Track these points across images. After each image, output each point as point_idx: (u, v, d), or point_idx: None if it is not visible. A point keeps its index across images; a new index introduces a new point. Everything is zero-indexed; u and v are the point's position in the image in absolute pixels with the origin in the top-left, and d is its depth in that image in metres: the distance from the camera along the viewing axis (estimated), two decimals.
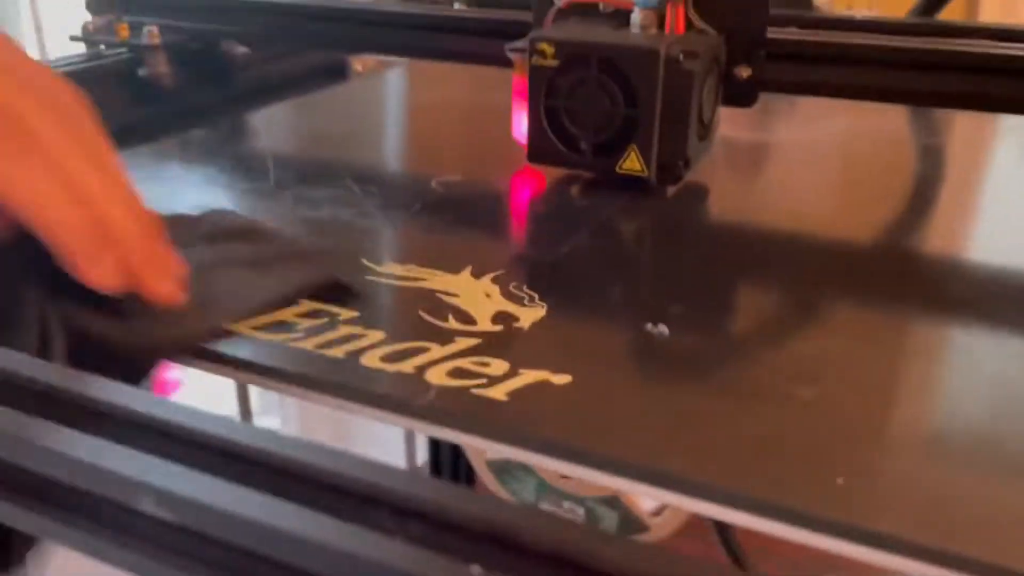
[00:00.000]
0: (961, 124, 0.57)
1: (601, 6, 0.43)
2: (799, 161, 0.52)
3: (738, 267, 0.35)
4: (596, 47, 0.39)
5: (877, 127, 0.55)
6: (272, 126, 0.57)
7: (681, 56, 0.38)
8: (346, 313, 0.29)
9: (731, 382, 0.26)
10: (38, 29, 1.60)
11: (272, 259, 0.31)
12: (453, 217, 0.39)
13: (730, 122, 0.46)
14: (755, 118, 0.55)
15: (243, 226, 0.33)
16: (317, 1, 0.52)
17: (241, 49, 0.61)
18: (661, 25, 0.41)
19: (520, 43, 0.42)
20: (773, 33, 0.41)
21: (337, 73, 0.70)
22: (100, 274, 0.26)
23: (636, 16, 0.41)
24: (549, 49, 0.40)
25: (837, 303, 0.32)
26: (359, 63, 0.71)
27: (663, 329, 0.28)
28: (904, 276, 0.34)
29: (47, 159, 0.26)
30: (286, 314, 0.28)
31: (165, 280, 0.27)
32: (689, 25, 0.41)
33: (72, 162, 0.26)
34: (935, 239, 0.40)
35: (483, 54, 0.47)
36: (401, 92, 0.69)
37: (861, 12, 0.74)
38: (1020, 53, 0.37)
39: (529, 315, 0.29)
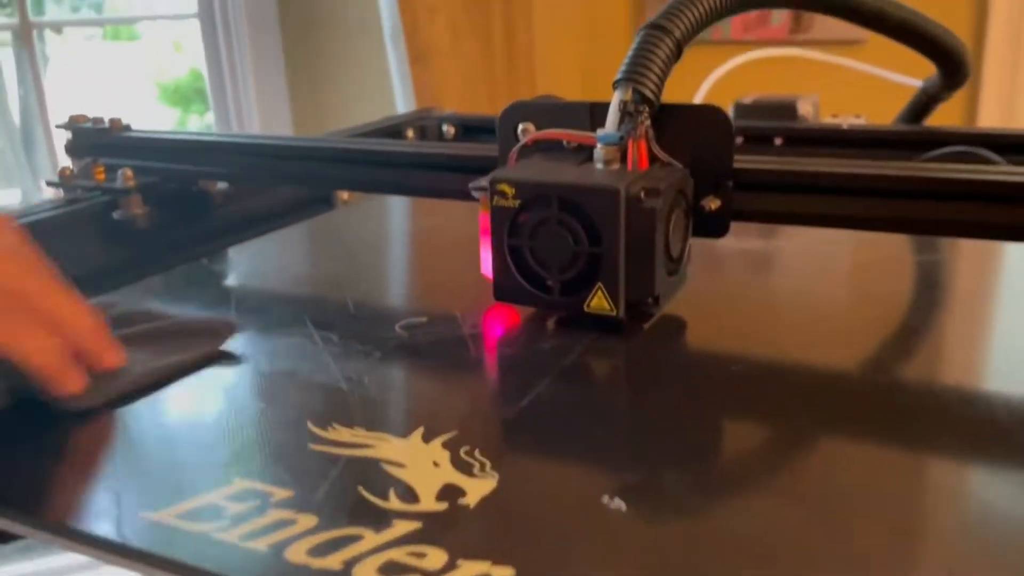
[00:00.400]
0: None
1: (565, 142, 0.43)
2: (779, 280, 0.50)
3: (710, 417, 0.33)
4: (556, 187, 0.38)
5: (859, 237, 0.54)
6: (243, 264, 0.56)
7: (642, 194, 0.37)
8: (280, 493, 0.27)
9: (689, 568, 0.24)
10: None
11: (170, 336, 0.40)
12: (412, 367, 0.38)
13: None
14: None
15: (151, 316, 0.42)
16: (286, 141, 0.52)
17: (221, 185, 0.61)
18: (625, 159, 0.40)
19: (483, 180, 0.41)
20: (740, 163, 0.40)
21: (322, 202, 0.70)
22: (72, 386, 0.34)
23: (599, 152, 0.40)
24: (509, 189, 0.39)
25: (811, 461, 0.30)
26: (344, 194, 0.71)
27: (620, 504, 0.26)
28: (892, 418, 0.32)
29: (28, 309, 0.33)
30: (216, 496, 0.27)
31: (111, 352, 0.36)
32: (653, 159, 0.40)
33: (43, 301, 0.34)
34: (926, 367, 0.38)
35: (454, 190, 0.46)
36: (381, 224, 0.68)
37: (848, 120, 0.73)
38: (993, 178, 0.36)
39: (477, 488, 0.27)
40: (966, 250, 0.53)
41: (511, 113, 0.44)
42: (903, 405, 0.33)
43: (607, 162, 0.40)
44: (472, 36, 1.59)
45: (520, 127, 0.44)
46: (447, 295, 0.48)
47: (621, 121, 0.40)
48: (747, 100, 0.78)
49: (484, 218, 0.43)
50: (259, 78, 1.94)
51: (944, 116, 0.76)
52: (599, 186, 0.37)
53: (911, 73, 0.73)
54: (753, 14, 2.44)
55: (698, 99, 0.77)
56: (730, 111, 0.79)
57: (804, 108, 0.75)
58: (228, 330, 0.40)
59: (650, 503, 0.26)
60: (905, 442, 0.30)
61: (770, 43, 2.36)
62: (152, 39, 2.52)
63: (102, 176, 0.56)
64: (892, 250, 0.53)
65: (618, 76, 0.40)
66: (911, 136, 0.67)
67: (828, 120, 0.76)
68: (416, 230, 0.66)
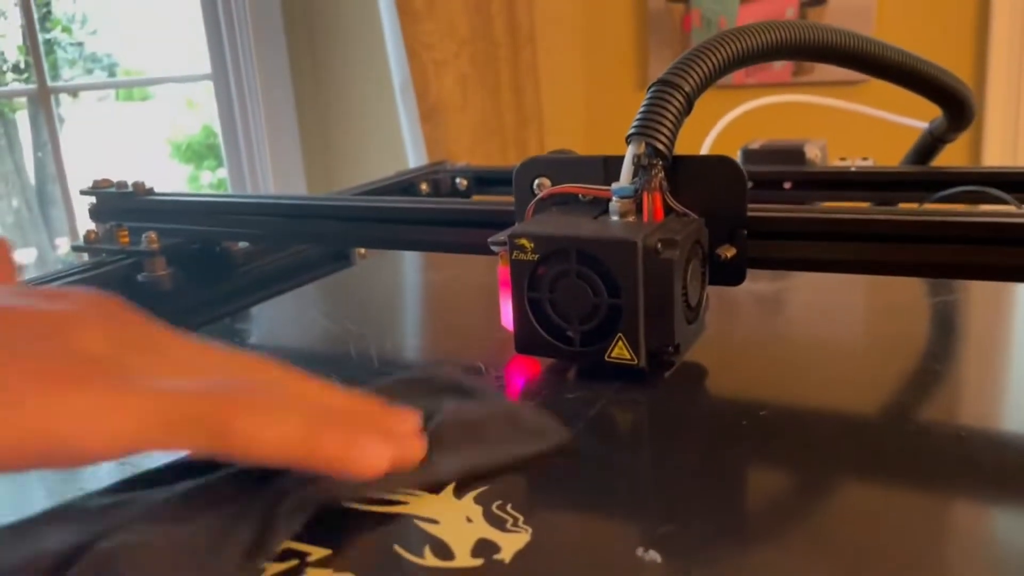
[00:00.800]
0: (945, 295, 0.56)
1: (580, 195, 0.44)
2: (794, 325, 0.51)
3: (739, 465, 0.33)
4: (574, 240, 0.39)
5: (873, 281, 0.54)
6: (266, 322, 0.57)
7: (659, 245, 0.37)
8: (317, 552, 0.27)
9: None
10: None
11: (490, 423, 0.33)
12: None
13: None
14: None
15: (456, 385, 0.36)
16: (306, 200, 0.53)
17: (241, 244, 0.62)
18: (640, 211, 0.41)
19: (502, 235, 0.42)
20: (754, 211, 0.41)
21: (341, 258, 0.71)
22: (370, 460, 0.28)
23: (614, 205, 0.41)
24: (528, 244, 0.40)
25: (842, 510, 0.30)
26: (361, 249, 0.73)
27: (654, 556, 0.26)
28: (920, 465, 0.32)
29: (281, 405, 0.28)
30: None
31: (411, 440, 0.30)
32: (668, 210, 0.41)
33: (294, 399, 0.30)
34: (949, 411, 0.39)
35: (472, 244, 0.47)
36: (400, 277, 0.69)
37: (856, 163, 0.74)
38: (1005, 221, 0.37)
39: (511, 543, 0.27)
40: (981, 291, 0.54)
41: (527, 168, 0.45)
42: (930, 450, 0.33)
43: (623, 214, 0.41)
44: (481, 90, 1.62)
45: (536, 182, 0.45)
46: (469, 347, 0.49)
47: (635, 174, 0.41)
48: (755, 145, 0.79)
49: (503, 271, 0.44)
50: (272, 134, 1.98)
51: (949, 157, 0.77)
52: (616, 239, 0.38)
53: (915, 113, 0.74)
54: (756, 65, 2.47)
55: (706, 144, 0.78)
56: (738, 156, 0.80)
57: (812, 152, 0.76)
58: (559, 437, 0.34)
59: (684, 554, 0.27)
60: (935, 488, 0.30)
61: (773, 86, 2.40)
62: (164, 98, 2.57)
63: (126, 239, 0.58)
64: (906, 293, 0.54)
65: (631, 131, 0.41)
66: (920, 177, 0.68)
67: (836, 163, 0.77)
68: (433, 283, 0.67)
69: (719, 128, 0.76)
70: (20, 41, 2.21)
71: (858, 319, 0.51)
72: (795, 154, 0.75)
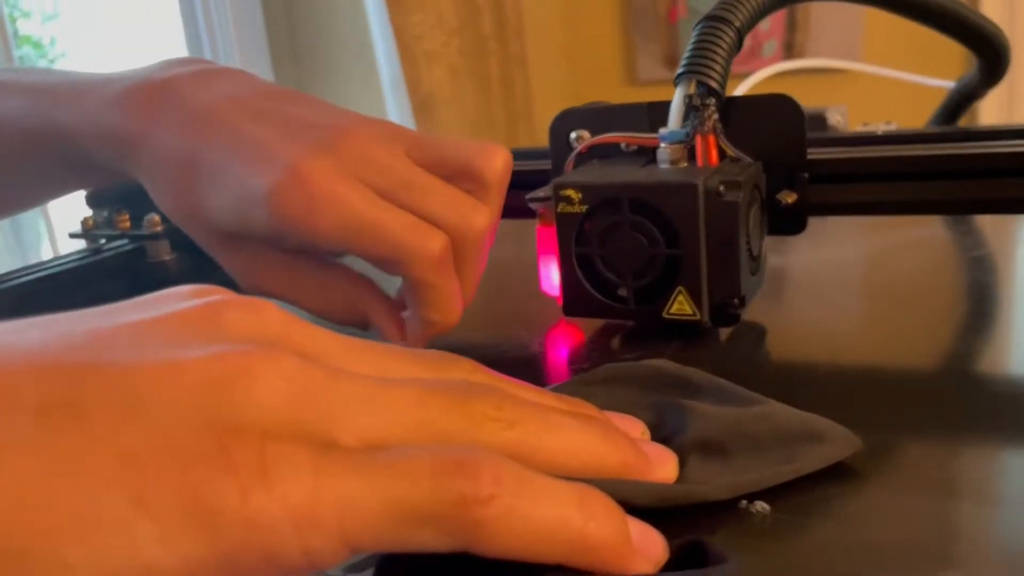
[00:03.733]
0: (1006, 231, 0.53)
1: (623, 145, 0.41)
2: (850, 285, 0.48)
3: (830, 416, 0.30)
4: (626, 187, 0.36)
5: (920, 241, 0.52)
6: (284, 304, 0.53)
7: (722, 188, 0.34)
8: None
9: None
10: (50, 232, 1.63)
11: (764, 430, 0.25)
12: None
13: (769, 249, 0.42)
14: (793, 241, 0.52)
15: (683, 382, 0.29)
16: None
17: None
18: (692, 158, 0.38)
19: (542, 191, 0.39)
20: (813, 154, 0.38)
21: None
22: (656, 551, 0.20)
23: (664, 152, 0.38)
24: (575, 195, 0.37)
25: (925, 455, 0.27)
26: None
27: (762, 506, 0.23)
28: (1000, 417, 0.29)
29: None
30: None
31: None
32: (722, 155, 0.38)
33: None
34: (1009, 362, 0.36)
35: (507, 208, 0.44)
36: None
37: (880, 127, 0.72)
38: None
39: None
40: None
41: (562, 121, 0.42)
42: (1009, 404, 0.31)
43: (674, 161, 0.38)
44: (471, 83, 1.59)
45: (574, 135, 0.42)
46: (507, 316, 0.46)
47: (685, 117, 0.38)
48: None
49: (542, 232, 0.41)
50: None
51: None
52: (674, 182, 0.35)
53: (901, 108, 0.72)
54: (745, 45, 2.46)
55: None
56: None
57: (834, 118, 0.74)
58: (851, 445, 0.25)
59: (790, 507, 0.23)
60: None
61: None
62: None
63: (127, 224, 0.54)
64: (959, 247, 0.51)
65: (680, 70, 0.38)
66: (948, 137, 0.66)
67: (860, 128, 0.74)
68: None
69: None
70: None
71: (913, 272, 0.48)
72: (817, 120, 0.73)
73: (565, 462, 0.21)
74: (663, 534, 0.21)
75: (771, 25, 2.39)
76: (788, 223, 0.39)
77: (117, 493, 0.16)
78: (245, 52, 1.85)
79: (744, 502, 0.23)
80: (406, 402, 0.19)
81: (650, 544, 0.20)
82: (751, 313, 0.40)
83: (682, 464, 0.24)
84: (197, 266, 0.55)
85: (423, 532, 0.17)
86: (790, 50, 2.33)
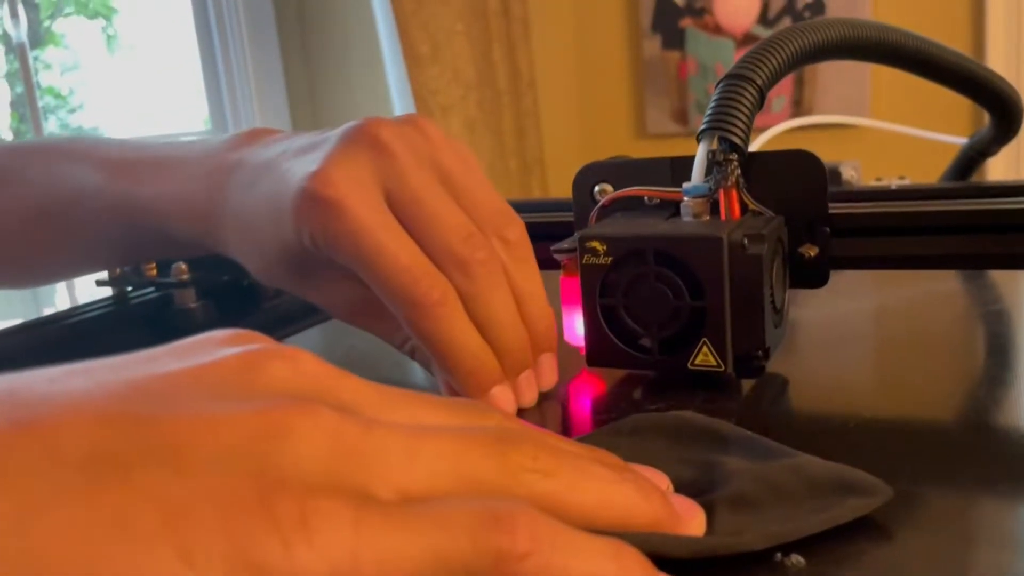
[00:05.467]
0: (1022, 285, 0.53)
1: (646, 199, 0.42)
2: (869, 338, 0.48)
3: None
4: (651, 239, 0.36)
5: (936, 294, 0.52)
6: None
7: (746, 241, 0.35)
8: None
9: None
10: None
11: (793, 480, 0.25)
12: None
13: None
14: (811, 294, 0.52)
15: (736, 436, 0.29)
16: None
17: None
18: (715, 212, 0.39)
19: (567, 243, 0.40)
20: (834, 208, 0.39)
21: None
22: None
23: (687, 206, 0.39)
24: (600, 246, 0.37)
25: (961, 505, 0.27)
26: None
27: (798, 560, 0.23)
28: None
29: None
30: None
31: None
32: (744, 209, 0.39)
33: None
34: None
35: None
36: None
37: (894, 182, 0.73)
38: None
39: None
40: None
41: (586, 175, 0.43)
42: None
43: (696, 215, 0.38)
44: (488, 135, 1.61)
45: (597, 188, 0.43)
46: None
47: (708, 172, 0.39)
48: None
49: (566, 283, 0.42)
50: None
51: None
52: (699, 235, 0.36)
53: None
54: None
55: None
56: None
57: (848, 173, 0.75)
58: (883, 494, 0.25)
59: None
60: None
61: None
62: None
63: (154, 272, 0.55)
64: (976, 300, 0.52)
65: (703, 126, 0.39)
66: (966, 192, 0.66)
67: (874, 183, 0.75)
68: None
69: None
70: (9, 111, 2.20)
71: (925, 325, 0.49)
72: (832, 175, 0.74)
73: (598, 514, 0.21)
74: None
75: (781, 83, 2.42)
76: (810, 276, 0.39)
77: (163, 547, 0.16)
78: (265, 111, 1.89)
79: (779, 555, 0.23)
80: (442, 452, 0.20)
81: None
82: (772, 365, 0.40)
83: (711, 518, 0.24)
84: (223, 314, 0.56)
85: None
86: (799, 106, 2.36)
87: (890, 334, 0.47)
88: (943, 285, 0.53)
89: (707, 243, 0.35)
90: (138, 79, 2.40)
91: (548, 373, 0.38)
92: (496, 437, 0.21)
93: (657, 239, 0.36)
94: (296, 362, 0.20)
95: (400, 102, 1.56)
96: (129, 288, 0.55)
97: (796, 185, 0.39)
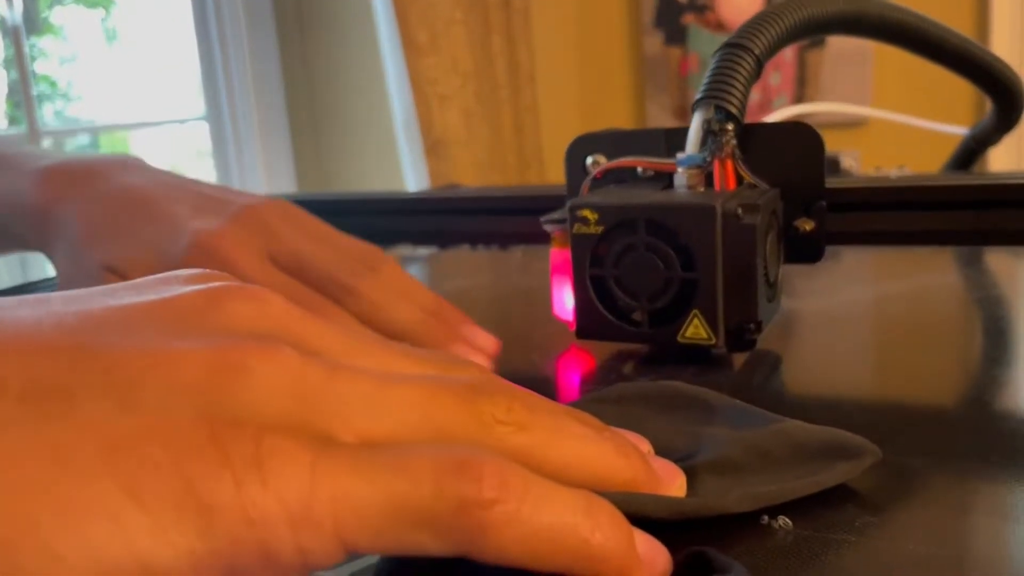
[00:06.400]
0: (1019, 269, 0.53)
1: (640, 170, 0.41)
2: (865, 317, 0.47)
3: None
4: (643, 208, 0.35)
5: (934, 277, 0.51)
6: None
7: (740, 210, 0.34)
8: None
9: None
10: None
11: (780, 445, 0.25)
12: None
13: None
14: (807, 274, 0.51)
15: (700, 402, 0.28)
16: (346, 196, 0.50)
17: None
18: (709, 183, 0.38)
19: (557, 213, 0.39)
20: (831, 183, 0.38)
21: None
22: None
23: (681, 176, 0.38)
24: (592, 215, 0.36)
25: (952, 477, 0.26)
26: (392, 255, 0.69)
27: (785, 521, 0.22)
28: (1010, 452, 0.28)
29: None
30: None
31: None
32: (739, 181, 0.38)
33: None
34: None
35: (517, 233, 0.44)
36: (428, 282, 0.66)
37: (893, 172, 0.72)
38: None
39: None
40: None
41: (579, 146, 0.42)
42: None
43: (691, 186, 0.38)
44: (485, 126, 1.61)
45: (590, 159, 0.42)
46: (515, 345, 0.45)
47: (703, 142, 0.38)
48: None
49: (556, 255, 0.41)
50: (267, 170, 1.95)
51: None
52: (692, 204, 0.35)
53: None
54: (755, 101, 2.49)
55: None
56: None
57: (847, 162, 0.74)
58: (871, 455, 0.24)
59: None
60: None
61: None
62: (142, 145, 2.52)
63: None
64: (974, 283, 0.51)
65: (699, 95, 0.38)
66: (966, 183, 0.66)
67: (872, 173, 0.74)
68: (464, 288, 0.63)
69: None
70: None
71: (927, 312, 0.48)
72: (831, 164, 0.73)
73: (574, 472, 0.20)
74: (676, 547, 0.20)
75: (781, 80, 2.41)
76: (805, 251, 0.38)
77: (108, 482, 0.15)
78: (261, 101, 1.88)
79: (766, 517, 0.23)
80: (411, 400, 0.19)
81: (655, 556, 0.19)
82: (766, 341, 0.39)
83: (693, 481, 0.23)
84: None
85: (422, 535, 0.17)
86: (804, 104, 2.35)
87: (887, 315, 0.46)
88: (942, 268, 0.52)
89: (700, 212, 0.34)
90: (136, 70, 2.38)
91: (478, 337, 0.38)
92: (470, 387, 0.20)
93: (649, 208, 0.35)
94: (262, 302, 0.19)
95: (398, 91, 1.55)
96: None
97: (793, 158, 0.38)
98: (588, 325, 0.38)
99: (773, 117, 0.72)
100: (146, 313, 0.18)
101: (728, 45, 0.39)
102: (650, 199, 0.36)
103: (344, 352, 0.20)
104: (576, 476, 0.20)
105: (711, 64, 0.39)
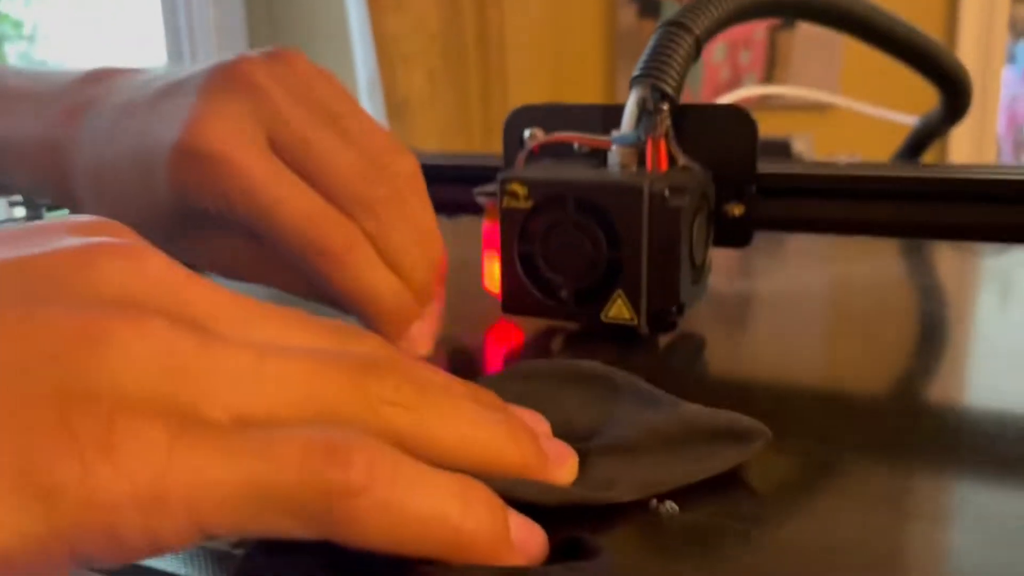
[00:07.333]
0: (952, 262, 0.53)
1: (577, 146, 0.40)
2: (798, 307, 0.48)
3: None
4: (572, 186, 0.35)
5: (867, 271, 0.52)
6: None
7: (667, 192, 0.34)
8: None
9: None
10: None
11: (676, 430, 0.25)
12: None
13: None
14: (746, 261, 0.51)
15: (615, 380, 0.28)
16: None
17: None
18: (642, 163, 0.37)
19: (490, 186, 0.39)
20: (766, 168, 0.38)
21: None
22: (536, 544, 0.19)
23: (614, 154, 0.37)
24: (522, 190, 0.36)
25: (850, 466, 0.26)
26: None
27: (672, 507, 0.22)
28: (923, 443, 0.29)
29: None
30: None
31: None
32: (673, 161, 0.38)
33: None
34: (943, 387, 0.36)
35: (450, 202, 0.44)
36: None
37: (843, 159, 0.72)
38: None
39: None
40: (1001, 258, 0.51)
41: (517, 117, 0.42)
42: (931, 429, 0.30)
43: (624, 165, 0.37)
44: (450, 89, 1.59)
45: (527, 132, 0.41)
46: (446, 313, 0.45)
47: (639, 121, 0.37)
48: None
49: (488, 228, 0.41)
50: None
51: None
52: (620, 183, 0.34)
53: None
54: (724, 78, 2.49)
55: None
56: None
57: (799, 146, 0.74)
58: (762, 435, 0.24)
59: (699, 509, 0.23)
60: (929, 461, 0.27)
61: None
62: None
63: None
64: (905, 269, 0.51)
65: (636, 73, 0.37)
66: (913, 173, 0.66)
67: (825, 159, 0.75)
68: None
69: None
70: None
71: (858, 299, 0.48)
72: (782, 147, 0.73)
73: (462, 455, 0.20)
74: (560, 529, 0.20)
75: (751, 59, 2.41)
76: (734, 235, 0.38)
77: None
78: (223, 46, 1.84)
79: (654, 501, 0.23)
80: (291, 376, 0.18)
81: (529, 540, 0.19)
82: (695, 324, 0.39)
83: (585, 464, 0.23)
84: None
85: (285, 520, 0.16)
86: (769, 85, 2.35)
87: (815, 302, 0.47)
88: (882, 257, 0.53)
89: (627, 192, 0.34)
90: (101, 15, 2.32)
91: (417, 339, 0.34)
92: (358, 364, 0.19)
93: (578, 185, 0.35)
94: (141, 263, 0.19)
95: (362, 49, 1.53)
96: (44, 210, 0.53)
97: (726, 141, 0.38)
98: (514, 300, 0.37)
99: (728, 98, 0.72)
100: (15, 271, 0.17)
101: (669, 23, 0.38)
102: (579, 176, 0.36)
103: (230, 321, 0.19)
104: (464, 460, 0.20)
105: (651, 41, 0.38)
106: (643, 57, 0.38)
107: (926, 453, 0.27)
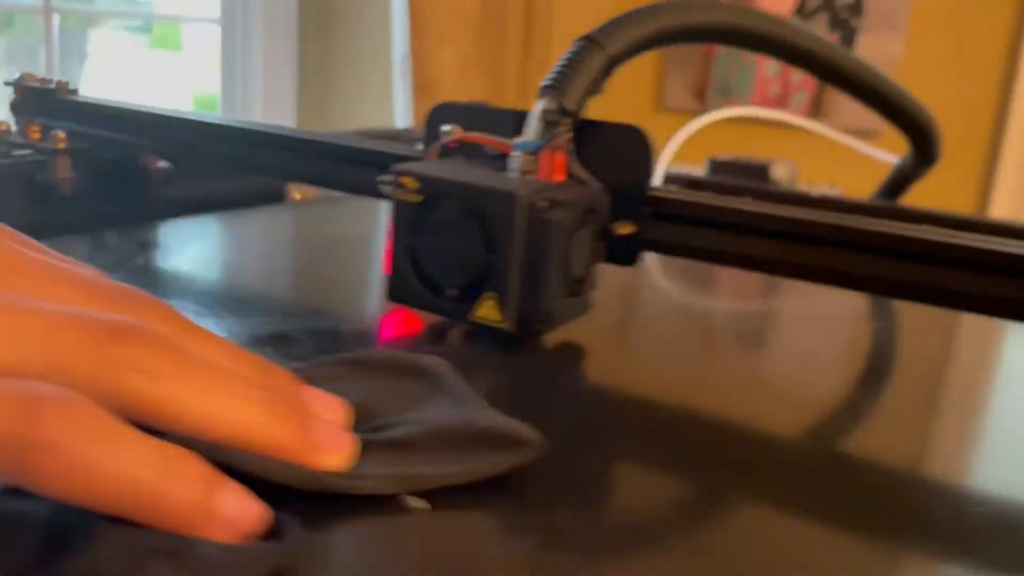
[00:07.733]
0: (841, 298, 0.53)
1: (488, 148, 0.41)
2: (706, 333, 0.48)
3: (594, 445, 0.30)
4: (457, 185, 0.36)
5: (811, 307, 0.52)
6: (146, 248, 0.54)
7: (541, 203, 0.35)
8: None
9: None
10: None
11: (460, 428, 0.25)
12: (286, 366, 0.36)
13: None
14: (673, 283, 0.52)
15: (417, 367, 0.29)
16: (221, 120, 0.51)
17: (162, 163, 0.59)
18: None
19: (389, 175, 0.39)
20: (660, 192, 0.38)
21: (272, 198, 0.69)
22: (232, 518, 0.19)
23: (515, 160, 0.38)
24: (412, 183, 0.37)
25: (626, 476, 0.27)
26: (297, 191, 0.70)
27: (420, 502, 0.23)
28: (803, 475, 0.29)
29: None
30: None
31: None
32: (570, 175, 0.38)
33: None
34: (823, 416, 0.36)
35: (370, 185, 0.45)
36: (313, 224, 0.66)
37: (820, 189, 0.72)
38: (924, 237, 0.34)
39: None
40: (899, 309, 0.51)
41: (438, 113, 0.43)
42: (798, 458, 0.31)
43: (523, 172, 0.38)
44: (482, 73, 1.59)
45: (445, 128, 0.42)
46: (349, 296, 0.46)
47: (545, 131, 0.38)
48: (724, 157, 0.77)
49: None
50: (268, 96, 1.95)
51: (950, 202, 0.74)
52: (497, 189, 0.35)
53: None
54: (773, 93, 2.45)
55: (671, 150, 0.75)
56: (706, 165, 0.78)
57: (778, 172, 0.74)
58: (535, 443, 0.25)
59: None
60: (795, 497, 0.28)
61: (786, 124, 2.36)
62: (194, 50, 2.51)
63: (37, 135, 0.55)
64: (821, 306, 0.51)
65: (544, 82, 0.38)
66: (880, 212, 0.65)
67: (803, 187, 0.74)
68: (344, 234, 0.64)
69: (685, 134, 0.72)
70: None
71: (770, 321, 0.48)
72: (759, 171, 0.73)
73: (212, 429, 0.20)
74: (297, 510, 0.21)
75: (804, 78, 2.37)
76: (621, 254, 0.39)
77: None
78: (271, 6, 1.87)
79: (407, 497, 0.24)
80: (28, 330, 0.19)
81: (240, 516, 0.19)
82: (579, 336, 0.40)
83: (365, 455, 0.24)
84: (100, 191, 0.56)
85: None
86: (818, 106, 2.31)
87: (721, 331, 0.47)
88: (793, 292, 0.53)
89: (503, 198, 0.35)
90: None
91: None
92: (110, 328, 0.20)
93: (463, 186, 0.36)
94: None
95: (398, 28, 1.54)
96: (7, 147, 0.55)
97: (622, 160, 0.38)
98: (398, 290, 0.38)
99: (717, 115, 0.72)
100: None
101: (586, 38, 0.39)
102: (468, 177, 0.37)
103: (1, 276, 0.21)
104: (213, 433, 0.21)
105: (567, 52, 0.39)
106: (554, 68, 0.38)
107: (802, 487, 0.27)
